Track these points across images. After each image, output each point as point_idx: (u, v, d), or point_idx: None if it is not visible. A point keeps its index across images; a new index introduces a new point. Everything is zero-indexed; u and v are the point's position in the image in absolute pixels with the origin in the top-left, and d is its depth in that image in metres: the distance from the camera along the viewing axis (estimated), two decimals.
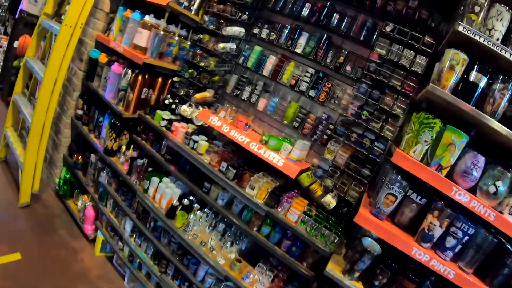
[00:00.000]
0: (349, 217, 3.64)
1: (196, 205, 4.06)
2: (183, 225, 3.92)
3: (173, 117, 4.40)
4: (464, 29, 2.34)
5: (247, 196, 3.56)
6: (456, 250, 2.56)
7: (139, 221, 4.34)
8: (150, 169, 4.39)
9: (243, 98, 4.30)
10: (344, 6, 3.88)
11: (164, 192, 4.03)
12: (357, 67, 3.72)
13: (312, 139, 3.92)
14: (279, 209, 3.52)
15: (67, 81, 4.98)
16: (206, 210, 4.12)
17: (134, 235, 4.46)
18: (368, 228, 2.71)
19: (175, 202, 3.94)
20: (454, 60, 2.42)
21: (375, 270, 2.78)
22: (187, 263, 3.98)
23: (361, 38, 3.68)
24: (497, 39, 2.43)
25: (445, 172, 2.50)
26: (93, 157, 4.94)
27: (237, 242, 3.96)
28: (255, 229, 3.68)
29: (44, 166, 5.01)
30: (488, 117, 2.38)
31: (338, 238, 3.27)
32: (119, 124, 4.52)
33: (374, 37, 3.58)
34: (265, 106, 4.15)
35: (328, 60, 3.85)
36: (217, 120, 3.90)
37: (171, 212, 3.95)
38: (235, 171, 3.66)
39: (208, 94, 4.42)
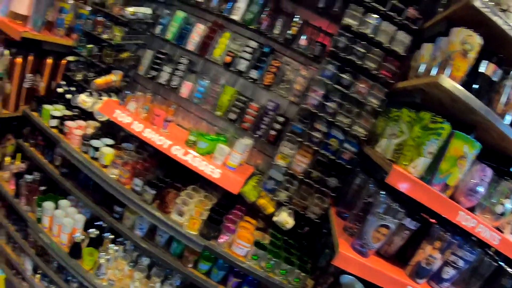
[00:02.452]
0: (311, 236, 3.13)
1: (107, 235, 3.01)
2: (94, 266, 2.95)
3: (67, 112, 3.33)
4: (482, 5, 1.88)
5: (174, 227, 2.67)
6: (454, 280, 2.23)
7: (39, 258, 3.31)
8: (43, 188, 3.34)
9: (161, 82, 3.37)
10: None
11: (62, 223, 3.00)
12: (315, 42, 3.02)
13: (256, 135, 3.13)
14: (221, 240, 2.70)
15: None
16: (122, 239, 3.09)
17: (38, 275, 3.43)
18: (352, 271, 2.15)
19: (78, 236, 2.95)
20: (468, 44, 1.90)
21: None
22: None
23: (320, 5, 2.91)
24: None
25: (450, 192, 2.03)
26: None
27: (169, 278, 3.08)
28: (189, 265, 2.83)
29: None
30: (501, 120, 1.98)
31: (303, 274, 2.64)
32: None
33: (336, 4, 2.86)
34: (191, 91, 3.29)
35: (276, 31, 3.06)
36: (125, 115, 2.88)
37: (75, 250, 2.97)
38: (154, 191, 2.65)
39: (113, 77, 3.38)
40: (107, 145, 2.99)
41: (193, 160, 2.67)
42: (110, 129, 3.24)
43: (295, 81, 3.00)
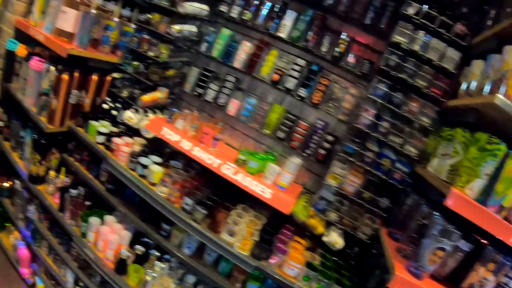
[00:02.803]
0: (360, 257, 3.06)
1: (153, 251, 2.98)
2: (139, 283, 2.94)
3: (113, 129, 3.34)
4: None
5: (225, 247, 2.62)
6: None
7: (82, 272, 3.30)
8: (88, 203, 3.35)
9: (207, 99, 3.34)
10: None
11: (108, 239, 3.00)
12: (363, 59, 2.95)
13: (304, 154, 3.08)
14: (273, 261, 2.64)
15: None
16: (168, 256, 3.05)
17: None
18: None
19: (124, 253, 2.93)
20: None
21: None
22: None
23: (367, 21, 2.89)
24: None
25: (505, 214, 1.94)
26: (18, 184, 3.88)
27: None
28: (238, 285, 2.79)
29: None
30: None
31: None
32: (43, 141, 3.43)
33: (381, 21, 2.87)
34: (238, 109, 3.24)
35: (324, 49, 3.01)
36: (173, 133, 2.86)
37: (120, 267, 2.97)
38: (205, 211, 2.65)
39: (159, 94, 3.37)
40: (155, 163, 2.98)
41: (244, 179, 2.63)
42: (156, 146, 3.22)
43: (344, 99, 2.96)
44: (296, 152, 3.07)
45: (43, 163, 3.45)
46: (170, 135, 2.84)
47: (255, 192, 2.61)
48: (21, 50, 3.63)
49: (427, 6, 2.55)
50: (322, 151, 3.01)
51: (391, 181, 2.68)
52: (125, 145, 3.06)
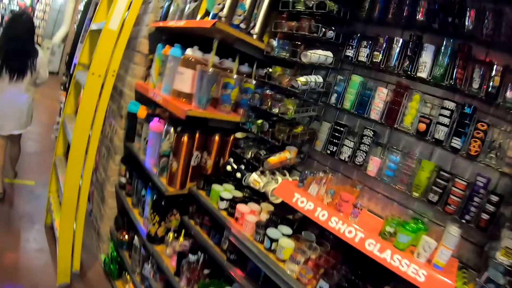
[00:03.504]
0: None
1: None
2: None
3: (237, 193, 3.11)
4: None
5: None
6: None
7: None
8: (206, 271, 3.15)
9: (342, 158, 2.92)
10: None
11: None
12: None
13: (463, 220, 2.43)
14: None
15: (110, 142, 4.48)
16: None
17: None
18: None
19: None
20: None
21: None
22: None
23: None
24: None
25: None
26: (136, 240, 3.92)
27: None
28: None
29: (94, 239, 4.78)
30: None
31: None
32: (163, 203, 3.34)
33: None
34: (380, 168, 2.74)
35: (475, 86, 2.41)
36: (306, 200, 2.49)
37: None
38: None
39: (288, 154, 3.08)
40: (285, 235, 2.62)
41: (392, 258, 2.14)
42: (284, 211, 2.90)
43: (508, 147, 2.32)
44: (452, 217, 2.48)
45: (162, 223, 3.39)
46: (302, 202, 2.49)
47: (406, 274, 2.10)
48: (141, 111, 3.77)
49: None
50: (484, 216, 2.36)
51: None
52: (250, 213, 2.79)
